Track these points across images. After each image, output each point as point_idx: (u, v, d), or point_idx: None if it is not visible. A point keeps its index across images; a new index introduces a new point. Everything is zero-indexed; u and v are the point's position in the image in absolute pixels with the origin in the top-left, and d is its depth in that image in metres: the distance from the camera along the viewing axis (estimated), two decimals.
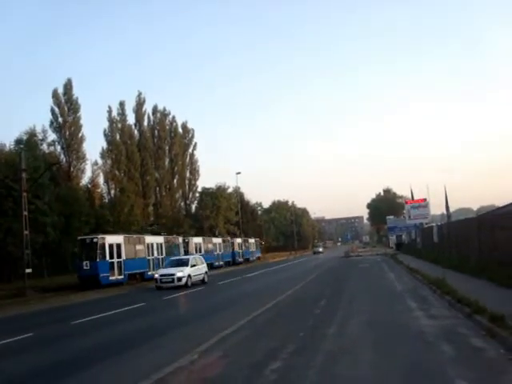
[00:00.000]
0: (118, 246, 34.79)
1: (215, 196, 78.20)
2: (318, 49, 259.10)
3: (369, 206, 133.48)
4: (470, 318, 10.87)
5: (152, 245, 39.94)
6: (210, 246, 54.84)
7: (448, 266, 23.99)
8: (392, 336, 10.14)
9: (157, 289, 28.21)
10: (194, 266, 30.07)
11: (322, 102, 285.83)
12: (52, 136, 55.66)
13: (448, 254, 28.15)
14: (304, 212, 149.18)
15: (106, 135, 66.02)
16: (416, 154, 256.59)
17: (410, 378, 7.14)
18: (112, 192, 64.57)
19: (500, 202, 30.50)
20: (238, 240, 67.43)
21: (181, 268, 28.81)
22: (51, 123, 56.59)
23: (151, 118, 75.44)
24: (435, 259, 30.17)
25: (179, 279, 28.01)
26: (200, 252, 48.55)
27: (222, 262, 56.77)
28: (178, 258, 33.75)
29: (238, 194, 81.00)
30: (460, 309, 11.98)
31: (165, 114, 77.64)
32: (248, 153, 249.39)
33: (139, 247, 37.92)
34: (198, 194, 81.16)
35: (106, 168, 64.41)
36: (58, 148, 57.01)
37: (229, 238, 65.31)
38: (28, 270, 30.05)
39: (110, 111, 66.74)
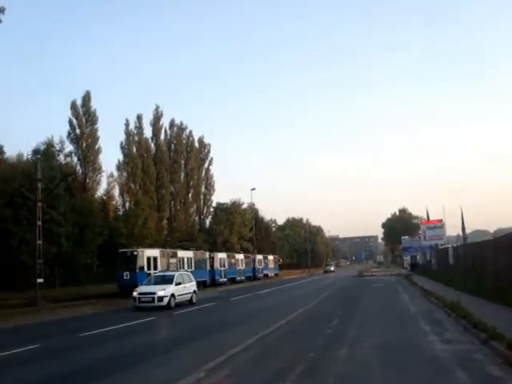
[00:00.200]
0: (155, 258, 37.93)
1: (229, 211, 78.12)
2: (330, 64, 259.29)
3: (384, 225, 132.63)
4: (486, 344, 10.52)
5: (183, 259, 43.15)
6: (233, 261, 57.20)
7: (463, 289, 23.59)
8: (404, 360, 9.82)
9: (136, 309, 24.37)
10: (180, 284, 26.02)
11: (340, 118, 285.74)
12: (69, 147, 56.20)
13: (463, 277, 27.65)
14: (318, 230, 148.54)
15: (122, 148, 66.43)
16: (432, 174, 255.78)
17: None
18: (127, 205, 64.73)
19: None
20: (259, 257, 69.27)
21: (163, 286, 25.09)
22: (69, 134, 57.21)
23: (168, 131, 75.84)
24: (450, 281, 29.67)
25: (160, 299, 24.27)
26: (224, 267, 53.00)
27: (243, 277, 59.49)
28: (161, 274, 28.97)
29: (252, 210, 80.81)
30: (476, 334, 11.64)
31: (182, 129, 77.95)
32: (263, 169, 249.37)
33: (172, 260, 40.95)
34: (212, 209, 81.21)
35: (122, 180, 64.68)
36: (75, 159, 57.60)
37: (250, 255, 66.77)
38: (39, 280, 30.05)
39: (127, 124, 67.26)
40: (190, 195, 77.79)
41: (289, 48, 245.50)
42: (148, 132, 71.17)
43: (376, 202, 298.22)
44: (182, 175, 76.72)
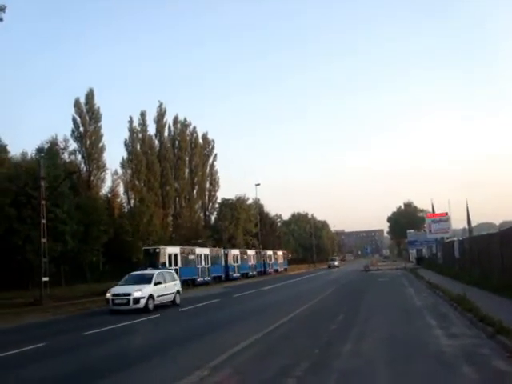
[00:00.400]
0: (175, 255, 40.45)
1: (234, 207, 77.97)
2: (330, 62, 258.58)
3: (389, 219, 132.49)
4: (492, 338, 10.42)
5: (200, 255, 45.45)
6: (245, 257, 59.19)
7: (469, 282, 23.50)
8: (410, 356, 9.71)
9: (111, 313, 21.92)
10: (159, 283, 23.46)
11: (343, 114, 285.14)
12: (73, 145, 56.15)
13: (469, 270, 27.56)
14: (324, 225, 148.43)
15: (126, 145, 66.37)
16: (438, 167, 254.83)
17: None
18: (132, 202, 64.69)
19: None
20: (269, 252, 71.53)
21: (140, 286, 22.47)
22: (72, 132, 57.09)
23: (172, 128, 75.60)
24: (456, 274, 29.58)
25: (136, 301, 21.79)
26: (237, 262, 55.16)
27: (255, 272, 61.61)
28: (139, 273, 26.34)
29: (257, 206, 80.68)
30: (482, 328, 11.54)
31: (185, 125, 77.75)
32: (268, 165, 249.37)
33: (191, 257, 43.59)
34: (217, 205, 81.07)
35: (126, 178, 64.59)
36: (79, 157, 57.42)
37: (260, 251, 68.33)
38: (45, 279, 30.04)
39: (130, 121, 67.14)
40: (195, 191, 77.66)
41: (290, 44, 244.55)
42: (152, 129, 71.15)
43: (381, 196, 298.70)
44: (187, 172, 76.54)
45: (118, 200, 62.94)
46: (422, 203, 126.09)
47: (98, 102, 59.44)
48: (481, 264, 25.54)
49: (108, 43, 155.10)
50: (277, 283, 42.65)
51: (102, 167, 59.03)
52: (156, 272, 24.91)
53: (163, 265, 37.52)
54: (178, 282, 26.09)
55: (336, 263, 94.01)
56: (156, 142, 71.68)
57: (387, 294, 26.24)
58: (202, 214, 79.93)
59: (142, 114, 68.84)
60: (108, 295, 22.89)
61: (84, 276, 48.38)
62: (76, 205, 45.74)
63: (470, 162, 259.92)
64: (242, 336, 12.72)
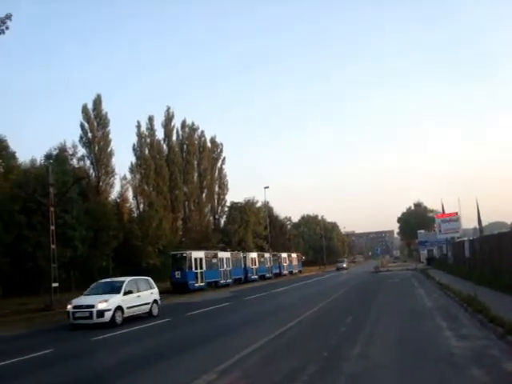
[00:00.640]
0: (200, 259, 42.76)
1: (244, 210, 77.89)
2: (342, 66, 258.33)
3: (399, 220, 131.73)
4: (503, 339, 10.29)
5: (222, 259, 47.87)
6: (262, 259, 61.33)
7: (480, 283, 23.28)
8: (419, 358, 9.62)
9: (72, 329, 19.16)
10: (130, 293, 20.46)
11: (352, 115, 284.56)
12: (82, 151, 56.35)
13: (480, 270, 27.32)
14: (334, 226, 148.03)
15: (134, 150, 66.54)
16: (447, 166, 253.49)
17: None
18: (141, 206, 64.83)
19: None
20: (284, 255, 73.01)
21: (106, 296, 19.55)
22: (81, 138, 57.22)
23: (180, 132, 75.71)
24: (467, 275, 29.34)
25: (100, 314, 18.76)
26: (255, 265, 57.53)
27: (271, 274, 63.21)
28: (108, 280, 23.84)
29: (266, 209, 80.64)
30: (492, 329, 11.40)
31: (193, 129, 77.85)
32: (277, 167, 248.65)
33: (214, 261, 45.95)
34: (226, 209, 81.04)
35: (135, 183, 64.77)
36: (88, 163, 57.59)
37: (276, 253, 69.77)
38: (55, 284, 30.08)
39: (138, 126, 67.33)
40: (204, 195, 77.66)
41: (302, 48, 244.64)
42: (160, 133, 71.26)
43: (391, 196, 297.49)
44: (195, 175, 76.60)
45: (127, 205, 62.98)
46: (432, 203, 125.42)
47: (105, 107, 59.60)
48: (492, 264, 25.31)
49: (115, 48, 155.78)
50: (289, 285, 43.66)
51: (110, 172, 59.15)
52: (127, 279, 21.55)
53: (190, 268, 40.70)
54: (155, 290, 23.06)
55: (344, 265, 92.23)
56: (164, 147, 71.78)
57: (397, 295, 26.10)
58: (211, 218, 79.88)
59: (150, 119, 69.04)
60: (69, 307, 19.74)
61: (94, 281, 48.08)
62: (85, 210, 45.92)
63: (480, 160, 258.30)
64: (252, 339, 12.73)
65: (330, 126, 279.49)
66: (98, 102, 59.00)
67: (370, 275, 52.01)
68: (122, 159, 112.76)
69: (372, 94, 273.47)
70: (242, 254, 55.36)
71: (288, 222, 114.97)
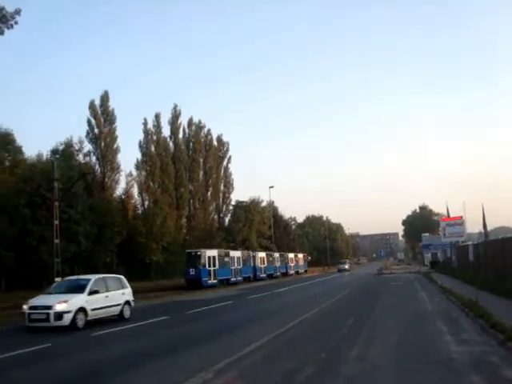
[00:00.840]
0: (214, 258, 44.78)
1: (248, 209, 77.89)
2: (345, 66, 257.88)
3: (404, 222, 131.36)
4: (503, 345, 10.19)
5: (234, 258, 50.19)
6: (270, 259, 63.23)
7: (483, 287, 23.14)
8: (418, 362, 9.55)
9: (28, 331, 17.03)
10: (96, 292, 18.15)
11: (357, 116, 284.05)
12: (88, 147, 56.56)
13: (484, 275, 27.18)
14: (338, 227, 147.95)
15: (141, 147, 66.83)
16: (454, 170, 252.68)
17: None
18: (146, 203, 65.01)
19: None
20: (291, 255, 75.02)
21: (67, 296, 17.39)
22: (87, 134, 57.59)
23: (186, 130, 75.93)
24: (470, 279, 29.19)
25: (58, 316, 16.63)
26: (264, 264, 59.31)
27: (278, 273, 65.18)
28: (73, 278, 21.09)
29: (271, 208, 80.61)
30: (493, 334, 11.31)
31: (200, 127, 77.95)
32: (283, 167, 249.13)
33: (226, 259, 48.19)
34: (231, 207, 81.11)
35: (141, 179, 64.99)
36: (94, 158, 57.90)
37: (283, 253, 72.08)
38: (57, 279, 30.08)
39: (145, 123, 67.59)
40: (209, 193, 77.79)
41: (314, 53, 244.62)
42: (166, 131, 71.58)
43: (397, 199, 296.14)
44: (201, 173, 76.73)
45: (132, 201, 63.22)
46: (437, 206, 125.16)
47: (112, 103, 59.92)
48: (495, 268, 25.16)
49: (123, 45, 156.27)
50: (295, 284, 44.67)
51: (116, 169, 59.47)
52: (94, 277, 19.20)
53: (203, 266, 42.84)
54: (128, 290, 20.77)
55: (346, 266, 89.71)
56: (170, 144, 72.06)
57: (399, 298, 26.00)
58: (215, 216, 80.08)
59: (157, 116, 69.36)
60: (24, 307, 17.53)
61: None
62: (90, 206, 46.04)
63: (487, 164, 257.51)
64: (252, 338, 12.71)
65: (337, 127, 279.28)
66: (105, 98, 59.24)
67: (373, 277, 51.87)
68: (128, 156, 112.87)
69: (377, 96, 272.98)
70: (251, 254, 57.25)
71: (293, 222, 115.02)
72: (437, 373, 8.59)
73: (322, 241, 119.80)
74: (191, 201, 74.27)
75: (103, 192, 55.84)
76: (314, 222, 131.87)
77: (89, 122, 58.02)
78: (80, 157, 54.10)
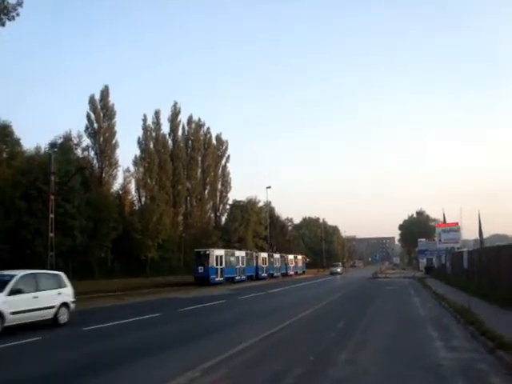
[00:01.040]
0: (221, 257, 47.57)
1: (245, 209, 77.94)
2: (344, 69, 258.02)
3: (401, 227, 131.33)
4: (492, 353, 10.16)
5: (238, 257, 52.78)
6: (271, 259, 65.48)
7: (476, 294, 23.14)
8: (406, 367, 9.52)
9: None
10: (20, 292, 15.11)
11: (355, 120, 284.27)
12: (87, 141, 56.53)
13: (477, 282, 27.17)
14: (335, 230, 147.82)
15: (139, 143, 66.76)
16: (451, 176, 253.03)
17: None
18: (142, 200, 65.03)
19: None
20: (290, 256, 77.19)
21: None
22: (86, 128, 57.55)
23: (186, 128, 75.97)
24: (464, 286, 29.17)
25: None
26: (266, 264, 61.67)
27: (279, 273, 67.52)
28: None
29: (268, 209, 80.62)
30: (483, 342, 11.28)
31: (199, 125, 77.98)
32: (281, 168, 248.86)
33: (232, 259, 50.74)
34: (228, 207, 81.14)
35: (138, 176, 64.95)
36: (92, 153, 57.87)
37: (284, 254, 73.93)
38: None
39: (144, 119, 67.56)
40: (207, 192, 77.83)
41: (312, 54, 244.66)
42: (165, 128, 71.58)
43: (394, 203, 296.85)
44: (199, 172, 76.75)
45: (129, 197, 63.26)
46: (434, 212, 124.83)
47: (112, 99, 59.92)
48: (489, 276, 25.16)
49: (125, 41, 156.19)
50: (293, 285, 46.47)
51: (114, 164, 59.48)
52: (20, 273, 15.87)
53: (211, 264, 45.27)
54: (67, 289, 17.65)
55: (339, 270, 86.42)
56: (169, 141, 72.09)
57: (392, 302, 25.97)
58: (212, 215, 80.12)
59: (157, 113, 69.35)
60: None
61: (92, 272, 48.56)
62: (86, 200, 46.01)
63: (484, 172, 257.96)
64: (241, 338, 12.63)
65: (335, 129, 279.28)
66: (105, 93, 59.22)
67: (367, 281, 51.89)
68: (126, 152, 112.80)
69: (376, 97, 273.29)
70: (254, 254, 59.56)
71: (289, 224, 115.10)
72: (424, 378, 8.58)
73: (318, 243, 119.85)
74: (188, 199, 74.29)
75: (100, 187, 55.81)
76: (310, 224, 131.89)
77: (88, 116, 58.07)
78: (78, 151, 54.19)
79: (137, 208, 62.89)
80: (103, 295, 31.84)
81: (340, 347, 11.49)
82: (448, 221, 55.89)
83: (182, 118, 74.78)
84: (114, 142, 59.08)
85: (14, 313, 14.57)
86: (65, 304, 17.04)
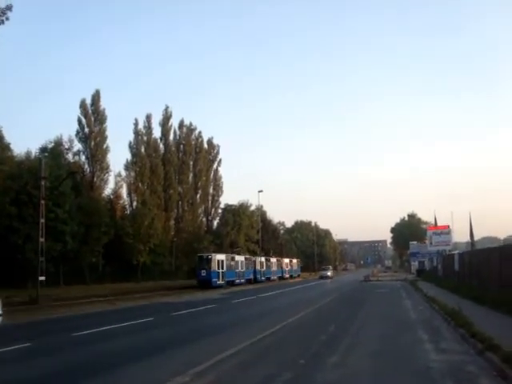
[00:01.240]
0: (222, 261, 49.68)
1: (237, 213, 77.81)
2: (339, 73, 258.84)
3: (393, 230, 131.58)
4: (481, 355, 10.18)
5: (238, 262, 55.19)
6: (268, 263, 67.85)
7: (467, 297, 23.22)
8: (396, 370, 9.51)
9: None
10: None
11: (348, 124, 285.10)
12: (78, 146, 56.39)
13: (468, 284, 27.28)
14: (327, 233, 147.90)
15: (131, 147, 66.68)
16: (443, 179, 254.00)
17: None
18: (134, 204, 64.81)
19: None
20: (286, 260, 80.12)
21: None
22: (77, 133, 57.39)
23: (177, 132, 75.95)
24: (455, 288, 29.26)
25: None
26: (263, 268, 64.03)
27: (275, 277, 69.86)
28: None
29: (259, 212, 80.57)
30: (473, 344, 11.31)
31: (191, 129, 77.97)
32: (273, 172, 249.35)
33: (232, 263, 52.99)
34: (220, 211, 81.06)
35: (130, 180, 64.78)
36: (83, 158, 57.69)
37: (280, 258, 76.87)
38: (41, 278, 30.00)
39: (136, 124, 67.51)
40: (198, 196, 77.79)
41: (303, 59, 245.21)
42: (157, 132, 71.48)
43: (385, 206, 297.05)
44: (191, 176, 76.72)
45: (121, 202, 63.05)
46: (426, 215, 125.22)
47: (103, 103, 59.74)
48: (480, 278, 25.27)
49: (116, 45, 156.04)
50: (287, 288, 48.08)
51: (105, 168, 59.28)
52: None
53: (213, 268, 47.30)
54: None
55: (329, 273, 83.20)
56: (161, 146, 71.99)
57: (383, 305, 26.02)
58: (204, 219, 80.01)
59: (148, 117, 69.25)
60: None
61: (83, 277, 48.36)
62: (77, 205, 45.81)
63: (475, 175, 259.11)
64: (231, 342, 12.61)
65: (327, 133, 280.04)
66: (96, 97, 59.12)
67: (359, 284, 51.96)
68: (118, 156, 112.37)
69: (371, 101, 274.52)
70: (252, 259, 61.97)
71: (281, 227, 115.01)
72: (413, 382, 8.59)
73: (310, 246, 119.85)
74: (180, 203, 74.21)
75: (92, 192, 55.64)
76: (302, 228, 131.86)
77: (79, 120, 57.94)
78: (69, 156, 54.08)
79: (128, 212, 62.69)
80: (95, 300, 31.68)
81: (331, 350, 11.48)
82: (439, 224, 56.25)
83: (174, 123, 74.95)
84: (105, 146, 59.01)
85: None
86: None
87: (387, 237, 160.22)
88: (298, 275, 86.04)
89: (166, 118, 73.12)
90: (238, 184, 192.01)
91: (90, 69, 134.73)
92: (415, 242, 78.21)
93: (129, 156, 66.09)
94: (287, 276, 77.33)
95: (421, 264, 69.31)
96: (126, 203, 64.88)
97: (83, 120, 57.95)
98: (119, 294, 36.28)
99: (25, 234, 38.80)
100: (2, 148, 45.48)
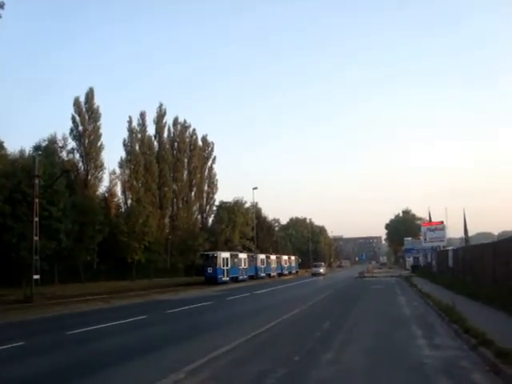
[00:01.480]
0: (226, 258, 52.54)
1: (232, 210, 77.80)
2: (331, 72, 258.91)
3: (387, 226, 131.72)
4: (475, 350, 10.25)
5: (241, 259, 58.22)
6: (268, 260, 70.74)
7: (461, 292, 23.31)
8: (390, 366, 9.56)
9: None
10: None
11: (342, 120, 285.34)
12: (72, 144, 56.22)
13: (462, 280, 27.38)
14: (322, 230, 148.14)
15: (125, 145, 66.40)
16: (437, 175, 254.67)
17: None
18: (129, 202, 64.66)
19: None
20: (284, 257, 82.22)
21: None
22: (71, 131, 57.17)
23: (171, 129, 75.79)
24: (449, 284, 29.36)
25: None
26: (264, 265, 67.13)
27: (275, 273, 72.45)
28: None
29: (254, 210, 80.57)
30: (466, 339, 11.37)
31: (185, 127, 77.85)
32: (268, 169, 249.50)
33: (236, 260, 55.90)
34: (215, 208, 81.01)
35: (124, 178, 64.58)
36: (77, 156, 57.50)
37: (279, 256, 78.89)
38: (36, 277, 29.94)
39: (130, 121, 67.24)
40: (193, 193, 77.72)
41: (299, 56, 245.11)
42: (151, 130, 71.25)
43: (380, 203, 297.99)
44: (185, 173, 76.62)
45: (115, 200, 62.89)
46: (420, 211, 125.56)
47: (97, 101, 59.58)
48: (473, 274, 25.37)
49: (110, 43, 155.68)
50: (284, 284, 49.33)
51: (99, 166, 59.05)
52: None
53: (219, 265, 49.96)
54: None
55: (321, 270, 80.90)
56: (155, 143, 71.78)
57: (378, 301, 26.09)
58: (199, 216, 79.91)
59: (142, 115, 68.98)
60: None
61: (78, 275, 48.28)
62: (72, 203, 45.66)
63: (470, 171, 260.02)
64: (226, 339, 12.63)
65: (322, 130, 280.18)
66: (90, 95, 58.91)
67: (354, 280, 52.04)
68: (112, 154, 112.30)
69: (367, 98, 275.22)
70: (254, 256, 64.46)
71: (276, 224, 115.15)
72: (407, 377, 8.63)
73: (305, 243, 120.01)
74: (174, 200, 74.08)
75: (86, 190, 55.49)
76: (297, 224, 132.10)
77: (73, 118, 57.69)
78: (63, 154, 53.90)
79: (123, 210, 62.54)
80: (90, 298, 31.65)
81: (326, 347, 11.52)
82: (434, 220, 56.31)
83: (168, 120, 74.79)
84: (99, 144, 58.78)
85: None
86: None
87: (382, 233, 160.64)
88: (296, 272, 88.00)
89: (160, 115, 73.01)
90: (233, 181, 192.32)
91: (86, 67, 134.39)
92: (410, 238, 78.34)
93: (123, 154, 65.94)
94: (286, 272, 79.59)
95: (415, 260, 69.52)
96: (121, 201, 64.79)
97: (77, 118, 57.74)
98: (114, 292, 36.24)
99: (19, 233, 38.62)
100: None
